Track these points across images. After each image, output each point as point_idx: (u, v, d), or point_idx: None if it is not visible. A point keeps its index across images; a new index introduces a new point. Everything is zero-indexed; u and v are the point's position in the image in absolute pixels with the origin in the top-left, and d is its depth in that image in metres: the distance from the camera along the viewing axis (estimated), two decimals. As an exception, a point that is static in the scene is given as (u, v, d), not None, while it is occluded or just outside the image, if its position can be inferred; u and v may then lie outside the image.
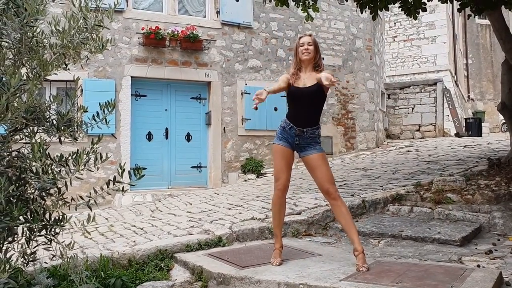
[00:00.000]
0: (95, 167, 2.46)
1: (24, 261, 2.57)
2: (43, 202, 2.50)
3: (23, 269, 2.54)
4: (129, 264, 3.71)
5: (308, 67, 3.47)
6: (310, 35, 3.54)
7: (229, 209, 5.53)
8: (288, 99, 3.52)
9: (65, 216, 2.54)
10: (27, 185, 2.47)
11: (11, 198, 2.31)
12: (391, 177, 6.75)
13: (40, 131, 2.52)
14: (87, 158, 2.44)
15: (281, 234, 3.60)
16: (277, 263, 3.41)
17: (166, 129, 9.01)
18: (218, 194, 7.22)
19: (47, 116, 2.56)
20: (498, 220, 4.47)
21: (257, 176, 9.09)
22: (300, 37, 3.54)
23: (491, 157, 7.07)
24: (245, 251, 3.95)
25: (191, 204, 6.51)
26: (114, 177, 2.48)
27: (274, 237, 3.64)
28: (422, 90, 14.38)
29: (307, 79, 3.44)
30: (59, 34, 2.48)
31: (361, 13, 6.95)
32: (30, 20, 2.32)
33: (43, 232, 2.53)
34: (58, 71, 2.56)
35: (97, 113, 2.59)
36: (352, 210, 5.11)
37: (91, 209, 2.56)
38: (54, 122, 2.56)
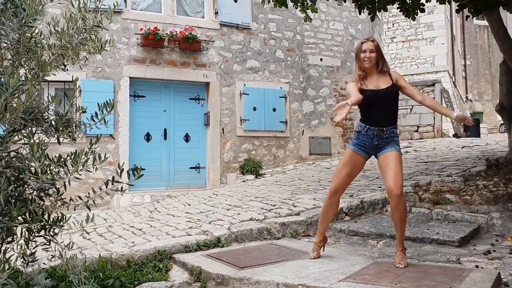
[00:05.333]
0: (93, 167, 2.46)
1: (23, 261, 2.57)
2: (42, 202, 2.50)
3: (23, 270, 2.54)
4: (127, 265, 3.71)
5: (372, 70, 3.42)
6: (373, 41, 3.43)
7: (228, 209, 5.53)
8: (365, 104, 3.38)
9: (64, 216, 2.54)
10: (25, 186, 2.46)
11: (9, 198, 2.31)
12: (390, 178, 6.74)
13: (39, 131, 2.52)
14: (85, 158, 2.44)
15: (324, 231, 3.64)
16: (312, 257, 3.54)
17: (165, 129, 9.01)
18: (216, 195, 7.22)
19: (46, 117, 2.56)
20: (496, 221, 4.47)
21: (256, 177, 9.09)
22: (362, 42, 3.44)
23: (489, 157, 7.08)
24: (243, 252, 3.95)
25: (189, 204, 6.51)
26: (113, 177, 2.48)
27: (317, 232, 3.69)
28: (421, 91, 14.37)
29: (378, 81, 3.41)
30: (57, 34, 2.48)
31: (360, 14, 6.96)
32: (28, 21, 2.32)
33: (42, 232, 2.53)
34: (57, 72, 2.56)
35: (96, 113, 2.59)
36: (350, 211, 5.12)
37: (89, 210, 2.56)
38: (53, 122, 2.55)
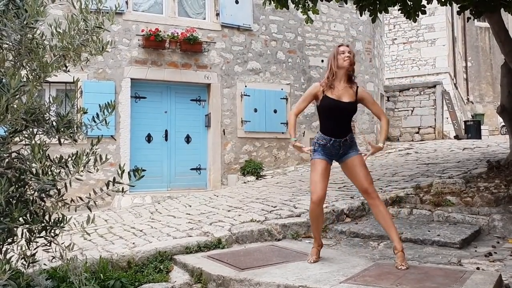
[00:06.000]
0: (94, 168, 2.46)
1: (24, 262, 2.57)
2: (43, 203, 2.50)
3: (24, 271, 2.54)
4: (128, 266, 3.71)
5: (344, 77, 3.46)
6: (347, 45, 3.54)
7: (229, 211, 5.53)
8: (323, 111, 3.50)
9: (64, 217, 2.54)
10: (26, 187, 2.46)
11: (11, 199, 2.31)
12: (391, 180, 6.75)
13: (40, 132, 2.52)
14: (86, 159, 2.44)
15: (320, 236, 3.66)
16: (312, 261, 3.52)
17: (166, 131, 9.01)
18: (217, 196, 7.22)
19: (47, 118, 2.56)
20: (497, 223, 4.47)
21: (257, 178, 9.09)
22: (339, 46, 3.54)
23: (490, 159, 7.07)
24: (244, 253, 3.95)
25: (190, 206, 6.51)
26: (114, 178, 2.48)
27: (313, 238, 3.70)
28: (422, 93, 14.39)
29: (342, 92, 3.45)
30: (59, 36, 2.48)
31: (361, 15, 6.96)
32: (30, 22, 2.33)
33: (43, 233, 2.53)
34: (58, 73, 2.56)
35: (97, 114, 2.59)
36: (351, 212, 5.11)
37: (90, 211, 2.56)
38: (54, 123, 2.56)
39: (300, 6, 6.92)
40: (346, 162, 3.50)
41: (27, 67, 2.51)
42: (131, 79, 8.60)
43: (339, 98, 3.43)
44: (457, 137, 14.20)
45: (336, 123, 3.47)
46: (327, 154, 3.48)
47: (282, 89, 10.17)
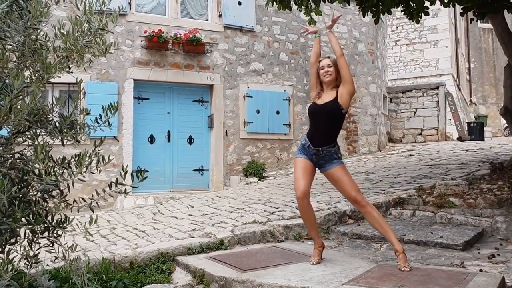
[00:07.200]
0: (97, 169, 2.46)
1: (27, 263, 2.57)
2: (46, 204, 2.51)
3: (26, 271, 2.54)
4: (130, 267, 3.71)
5: (329, 87, 3.58)
6: (329, 57, 3.63)
7: (231, 212, 5.53)
8: (308, 115, 3.64)
9: (67, 218, 2.55)
10: (29, 187, 2.47)
11: (13, 199, 2.32)
12: (393, 181, 6.74)
13: (43, 133, 2.53)
14: (89, 160, 2.44)
15: (317, 235, 3.67)
16: (314, 262, 3.53)
17: (168, 132, 9.02)
18: (220, 197, 7.22)
19: (50, 119, 2.57)
20: (500, 225, 4.45)
21: (259, 179, 9.08)
22: (320, 60, 3.63)
23: (493, 161, 7.05)
24: (246, 254, 3.95)
25: (193, 207, 6.51)
26: (117, 179, 2.49)
27: (312, 239, 3.72)
28: (425, 94, 14.37)
29: (325, 97, 3.55)
30: (63, 37, 2.49)
31: (363, 17, 6.95)
32: (33, 23, 2.33)
33: (46, 234, 2.54)
34: (61, 74, 2.56)
35: (100, 115, 2.60)
36: (354, 214, 5.11)
37: (93, 211, 2.57)
38: (57, 124, 2.56)
39: (303, 7, 6.92)
40: (327, 174, 3.55)
41: (30, 68, 2.52)
42: (134, 80, 8.61)
43: (321, 102, 3.53)
44: (460, 139, 14.17)
45: (314, 128, 3.55)
46: (305, 155, 3.56)
47: (284, 90, 10.17)
